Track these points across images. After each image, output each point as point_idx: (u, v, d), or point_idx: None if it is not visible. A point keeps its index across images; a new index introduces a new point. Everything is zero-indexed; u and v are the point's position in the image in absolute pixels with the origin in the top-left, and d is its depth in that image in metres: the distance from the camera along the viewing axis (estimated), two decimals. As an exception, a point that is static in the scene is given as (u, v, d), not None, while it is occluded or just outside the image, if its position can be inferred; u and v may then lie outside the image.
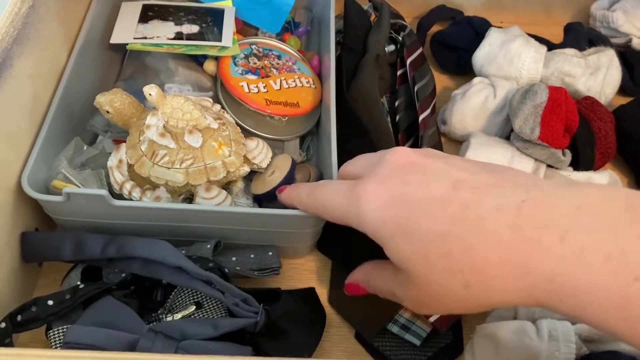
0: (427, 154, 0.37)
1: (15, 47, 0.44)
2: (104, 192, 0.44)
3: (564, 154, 0.56)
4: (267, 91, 0.58)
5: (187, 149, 0.48)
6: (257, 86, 0.58)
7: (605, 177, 0.57)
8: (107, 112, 0.51)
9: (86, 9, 0.58)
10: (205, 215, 0.46)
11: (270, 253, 0.50)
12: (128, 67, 0.63)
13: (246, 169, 0.50)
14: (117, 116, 0.51)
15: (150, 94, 0.48)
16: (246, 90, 0.57)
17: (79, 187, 0.47)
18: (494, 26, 0.66)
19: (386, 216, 0.34)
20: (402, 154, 0.37)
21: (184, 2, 0.64)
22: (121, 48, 0.61)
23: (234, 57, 0.59)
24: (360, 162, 0.41)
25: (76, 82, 0.53)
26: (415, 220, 0.33)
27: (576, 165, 0.57)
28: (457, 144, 0.63)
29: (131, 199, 0.49)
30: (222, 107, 0.56)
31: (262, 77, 0.59)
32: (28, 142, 0.47)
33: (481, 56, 0.63)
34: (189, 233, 0.49)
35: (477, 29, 0.66)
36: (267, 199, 0.52)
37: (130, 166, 0.50)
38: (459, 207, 0.33)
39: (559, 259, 0.29)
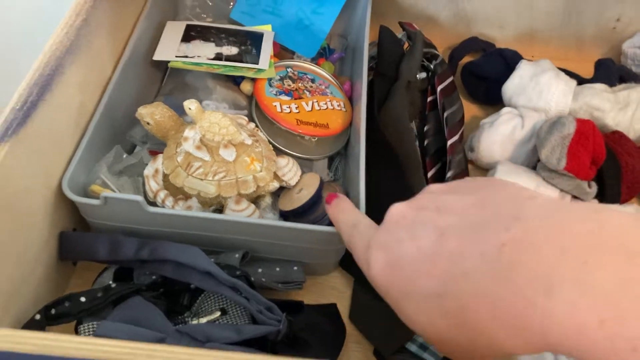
0: (418, 205, 0.36)
1: (67, 56, 0.47)
2: (140, 198, 0.46)
3: (589, 186, 0.56)
4: (299, 112, 0.60)
5: (220, 162, 0.50)
6: (289, 107, 0.60)
7: (632, 211, 0.57)
8: (148, 123, 0.53)
9: (133, 25, 0.61)
10: (234, 225, 0.48)
11: (296, 268, 0.52)
12: (168, 83, 0.66)
13: (275, 185, 0.52)
14: (157, 128, 0.53)
15: (190, 108, 0.50)
16: (279, 109, 0.59)
17: (116, 192, 0.49)
18: (525, 59, 0.67)
19: (389, 281, 0.35)
20: (395, 210, 0.37)
21: (226, 25, 0.67)
22: (163, 65, 0.64)
23: (269, 79, 0.62)
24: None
25: (119, 93, 0.56)
26: (412, 283, 0.33)
27: (602, 197, 0.58)
28: (484, 171, 0.64)
29: (164, 207, 0.51)
30: (256, 126, 0.58)
31: (295, 99, 0.61)
32: (71, 147, 0.50)
33: (511, 87, 0.64)
34: (218, 243, 0.50)
35: (508, 61, 0.67)
36: (294, 216, 0.53)
37: (165, 176, 0.52)
38: (447, 261, 0.31)
39: (547, 317, 0.27)
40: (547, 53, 0.75)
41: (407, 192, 0.56)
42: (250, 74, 0.62)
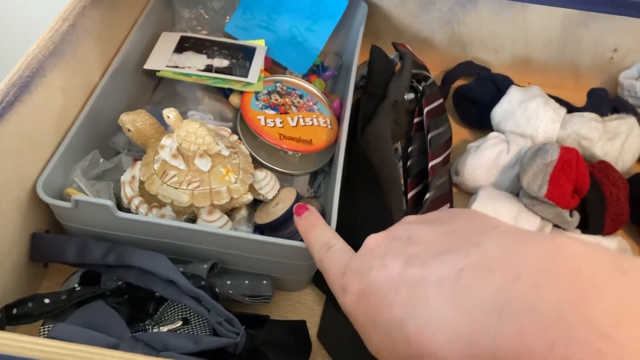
0: (393, 235, 0.36)
1: (50, 60, 0.48)
2: (109, 202, 0.46)
3: (571, 215, 0.55)
4: (283, 126, 0.60)
5: (195, 172, 0.50)
6: (273, 121, 0.60)
7: (615, 244, 0.56)
8: (129, 130, 0.54)
9: (126, 34, 0.62)
10: (204, 236, 0.48)
11: (265, 282, 0.51)
12: (159, 92, 0.67)
13: (249, 197, 0.52)
14: (137, 135, 0.54)
15: (168, 116, 0.51)
16: (262, 123, 0.59)
17: (89, 196, 0.50)
18: (518, 85, 0.67)
19: (358, 309, 0.35)
20: (371, 240, 0.37)
21: (220, 38, 0.68)
22: (156, 74, 0.65)
23: (256, 92, 0.62)
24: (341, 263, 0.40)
25: (105, 100, 0.57)
26: (378, 311, 0.33)
27: (585, 228, 0.57)
28: (467, 195, 0.63)
29: (138, 214, 0.51)
30: (239, 138, 0.59)
31: (281, 113, 0.61)
32: (50, 149, 0.50)
33: (499, 112, 0.64)
34: (189, 253, 0.50)
35: (499, 86, 0.67)
36: (269, 230, 0.53)
37: (141, 183, 0.52)
38: (409, 287, 0.32)
39: (499, 341, 0.26)
40: (542, 80, 0.74)
41: (385, 212, 0.56)
42: (238, 87, 0.62)
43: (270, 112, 0.61)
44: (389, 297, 0.33)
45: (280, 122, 0.60)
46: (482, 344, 0.27)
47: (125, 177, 0.52)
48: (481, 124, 0.69)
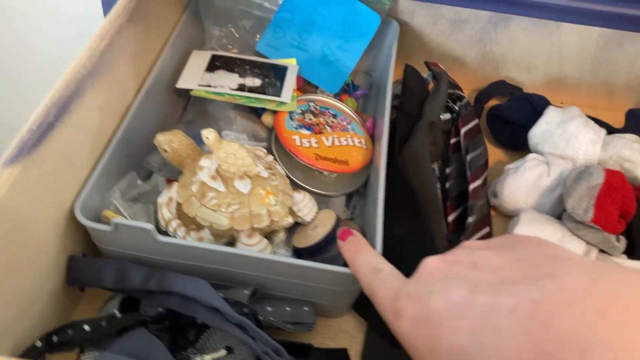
0: (453, 259, 0.35)
1: (89, 79, 0.47)
2: (150, 226, 0.45)
3: (617, 240, 0.54)
4: (319, 146, 0.59)
5: (235, 194, 0.49)
6: (309, 141, 0.59)
7: (661, 269, 0.54)
8: (165, 150, 0.53)
9: (159, 52, 0.61)
10: (245, 260, 0.47)
11: (306, 309, 0.50)
12: (190, 111, 0.65)
13: (290, 220, 0.51)
14: (174, 156, 0.53)
15: (207, 137, 0.50)
16: (298, 143, 0.58)
17: (128, 219, 0.48)
18: (553, 105, 0.66)
19: (416, 335, 0.33)
20: (429, 262, 0.36)
21: (251, 57, 0.67)
22: (186, 92, 0.64)
23: (290, 112, 0.61)
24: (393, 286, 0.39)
25: (140, 119, 0.56)
26: (438, 338, 0.32)
27: (631, 253, 0.55)
28: (506, 218, 0.61)
29: (176, 237, 0.49)
30: (274, 159, 0.57)
31: (316, 133, 0.60)
32: (86, 170, 0.49)
33: (537, 133, 0.63)
34: (228, 277, 0.49)
35: (535, 106, 0.66)
36: (308, 254, 0.52)
37: (178, 205, 0.51)
38: (477, 316, 0.30)
39: None
40: (575, 100, 0.73)
41: (425, 234, 0.54)
42: (271, 107, 0.61)
43: (305, 131, 0.60)
44: (452, 324, 0.31)
45: (316, 142, 0.59)
46: None
47: (161, 199, 0.51)
48: (515, 145, 0.68)
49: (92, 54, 0.48)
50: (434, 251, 0.55)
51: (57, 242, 0.46)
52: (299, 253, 0.53)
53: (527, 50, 0.71)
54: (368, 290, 0.39)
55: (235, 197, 0.49)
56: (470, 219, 0.55)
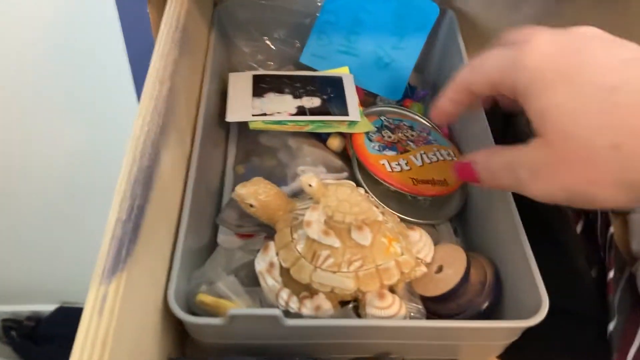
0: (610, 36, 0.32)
1: (162, 138, 0.37)
2: (278, 311, 0.36)
3: None
4: (410, 169, 0.50)
5: (353, 247, 0.40)
6: (398, 163, 0.50)
7: None
8: (251, 205, 0.43)
9: (200, 83, 0.51)
10: (390, 331, 0.38)
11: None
12: (241, 147, 0.56)
13: (423, 269, 0.42)
14: (262, 210, 0.43)
15: (310, 185, 0.41)
16: (388, 169, 0.50)
17: (236, 302, 0.39)
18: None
19: (551, 62, 0.30)
20: (584, 27, 0.33)
21: (297, 72, 0.58)
22: (224, 124, 0.54)
23: (367, 132, 0.52)
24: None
25: (203, 170, 0.46)
26: (585, 71, 0.29)
27: None
28: None
29: (287, 310, 0.40)
30: (365, 191, 0.49)
31: (401, 153, 0.52)
32: (168, 250, 0.39)
33: None
34: (356, 349, 0.40)
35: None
36: (438, 302, 0.44)
37: (282, 269, 0.41)
38: (637, 69, 0.28)
39: None
40: None
41: (562, 257, 0.47)
42: (343, 129, 0.52)
43: (390, 153, 0.51)
44: (606, 64, 0.29)
45: (406, 164, 0.51)
46: None
47: (261, 266, 0.42)
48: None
49: (158, 103, 0.38)
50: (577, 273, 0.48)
51: (156, 344, 0.36)
52: (424, 302, 0.44)
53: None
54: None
55: (355, 251, 0.40)
56: (610, 231, 0.48)
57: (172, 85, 0.40)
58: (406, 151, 0.52)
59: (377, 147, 0.51)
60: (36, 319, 1.36)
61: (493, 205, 0.46)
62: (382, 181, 0.49)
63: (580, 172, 0.29)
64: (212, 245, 0.49)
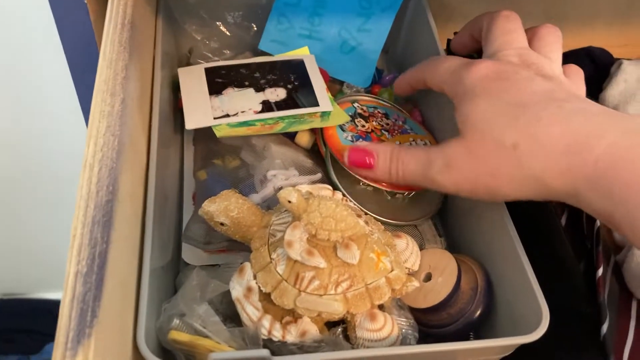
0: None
1: (119, 163, 0.32)
2: (266, 352, 0.32)
3: None
4: (388, 163, 0.47)
5: (340, 267, 0.37)
6: (375, 158, 0.47)
7: None
8: (222, 224, 0.39)
9: (151, 83, 0.45)
10: (388, 358, 0.35)
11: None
12: (199, 149, 0.51)
13: (414, 284, 0.39)
14: (235, 228, 0.39)
15: (289, 201, 0.36)
16: (365, 165, 0.46)
17: (213, 340, 0.35)
18: (623, 59, 0.57)
19: (483, 82, 0.37)
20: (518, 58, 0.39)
21: (252, 59, 0.52)
22: (178, 125, 0.49)
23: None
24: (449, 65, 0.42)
25: (162, 182, 0.41)
26: (505, 93, 0.36)
27: None
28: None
29: (270, 339, 0.37)
30: (343, 195, 0.45)
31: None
32: (133, 284, 0.35)
33: (614, 94, 0.54)
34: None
35: (597, 62, 0.57)
36: (428, 313, 0.41)
37: (264, 295, 0.38)
38: (548, 94, 0.35)
39: (610, 148, 0.30)
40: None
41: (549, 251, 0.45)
42: (316, 123, 0.48)
43: (364, 144, 0.47)
44: (524, 88, 0.36)
45: (383, 159, 0.47)
46: (592, 146, 0.32)
47: (237, 292, 0.38)
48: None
49: (111, 122, 0.33)
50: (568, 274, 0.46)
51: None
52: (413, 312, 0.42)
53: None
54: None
55: (342, 271, 0.37)
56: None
57: (125, 97, 0.35)
58: (381, 142, 0.48)
59: (349, 138, 0.47)
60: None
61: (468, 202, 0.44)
62: (359, 177, 0.45)
63: (486, 165, 0.35)
64: (176, 260, 0.44)
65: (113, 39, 0.36)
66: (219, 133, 0.45)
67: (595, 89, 0.56)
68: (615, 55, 0.58)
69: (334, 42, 0.55)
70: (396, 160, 0.41)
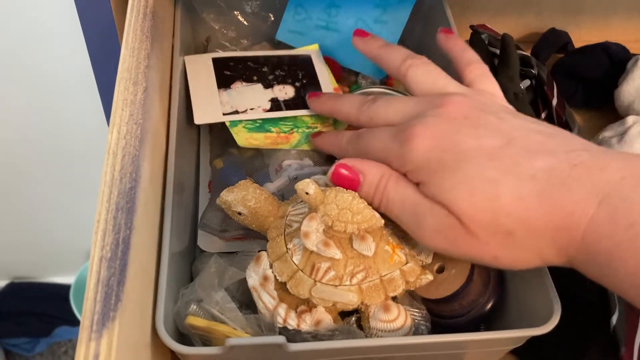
0: (482, 107, 0.36)
1: (142, 150, 0.33)
2: (282, 339, 0.33)
3: None
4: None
5: (356, 258, 0.37)
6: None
7: None
8: (239, 213, 0.39)
9: (170, 72, 0.46)
10: (401, 347, 0.36)
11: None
12: (215, 138, 0.51)
13: (429, 277, 0.40)
14: (252, 218, 0.40)
15: (307, 193, 0.37)
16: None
17: (229, 326, 0.35)
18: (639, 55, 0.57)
19: (432, 156, 0.34)
20: (456, 106, 0.36)
21: (260, 52, 0.53)
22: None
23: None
24: (402, 109, 0.39)
25: (180, 170, 0.41)
26: (464, 164, 0.33)
27: None
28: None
29: (286, 327, 0.37)
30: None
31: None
32: (152, 271, 0.35)
33: (629, 91, 0.54)
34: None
35: (613, 58, 0.57)
36: (441, 303, 0.41)
37: (277, 283, 0.38)
38: (510, 162, 0.33)
39: (591, 221, 0.30)
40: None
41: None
42: (328, 127, 0.48)
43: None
44: (481, 160, 0.33)
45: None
46: (577, 223, 0.31)
47: (253, 280, 0.38)
48: (589, 105, 0.59)
49: (134, 110, 0.33)
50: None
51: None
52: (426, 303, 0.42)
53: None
54: (355, 151, 0.40)
55: (357, 262, 0.37)
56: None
57: (147, 86, 0.35)
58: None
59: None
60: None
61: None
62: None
63: (488, 248, 0.34)
64: (192, 247, 0.45)
65: (135, 28, 0.37)
66: (239, 141, 0.45)
67: (611, 85, 0.56)
68: (632, 51, 0.58)
69: (350, 33, 0.55)
70: (380, 194, 0.37)
